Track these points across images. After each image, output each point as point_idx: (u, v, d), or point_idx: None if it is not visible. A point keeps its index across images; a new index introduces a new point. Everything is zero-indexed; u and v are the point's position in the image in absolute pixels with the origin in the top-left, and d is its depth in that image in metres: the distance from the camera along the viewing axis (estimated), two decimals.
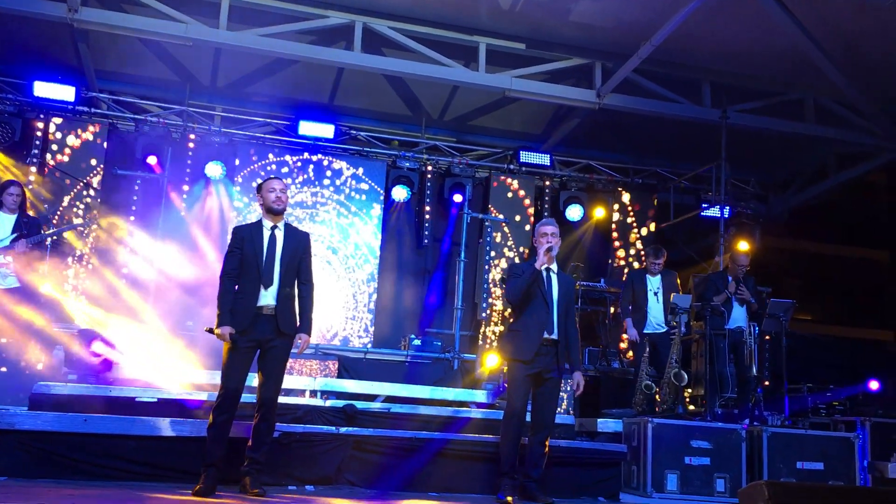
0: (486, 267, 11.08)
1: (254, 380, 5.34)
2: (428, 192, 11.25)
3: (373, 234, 10.88)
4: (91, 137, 10.10)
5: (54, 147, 9.92)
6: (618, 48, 9.15)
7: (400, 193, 10.99)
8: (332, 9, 8.97)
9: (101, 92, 10.33)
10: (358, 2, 8.93)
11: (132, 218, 10.10)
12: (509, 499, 5.61)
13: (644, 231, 11.63)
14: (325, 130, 10.49)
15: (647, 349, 8.12)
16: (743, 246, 10.24)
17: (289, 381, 6.94)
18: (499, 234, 11.22)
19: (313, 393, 7.36)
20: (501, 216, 11.10)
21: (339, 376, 8.39)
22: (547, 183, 11.68)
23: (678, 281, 8.51)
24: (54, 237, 7.96)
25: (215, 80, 10.51)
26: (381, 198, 11.00)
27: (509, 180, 11.38)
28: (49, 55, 9.61)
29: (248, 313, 5.17)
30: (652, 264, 8.34)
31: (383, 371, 8.65)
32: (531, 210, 11.40)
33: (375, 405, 6.92)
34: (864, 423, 7.96)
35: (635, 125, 10.40)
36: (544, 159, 11.19)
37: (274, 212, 5.39)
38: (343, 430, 6.04)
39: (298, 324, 5.36)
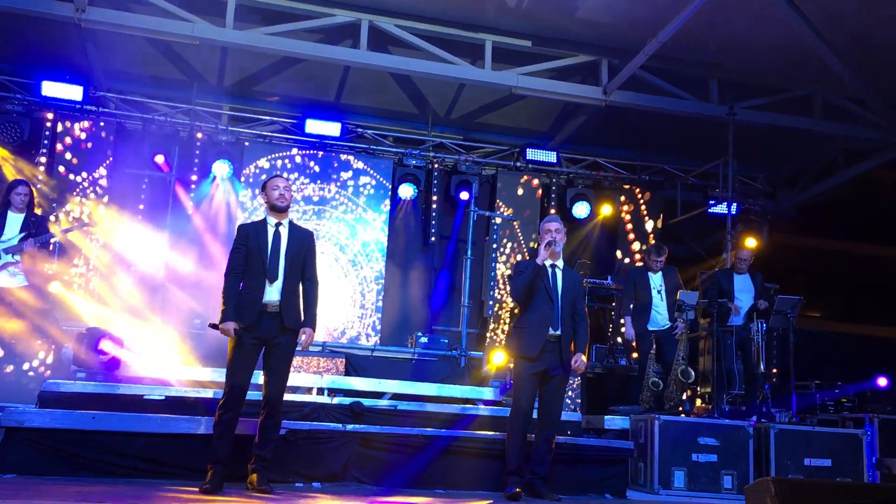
0: (493, 264, 11.08)
1: (260, 377, 5.37)
2: (434, 189, 11.25)
3: (379, 232, 10.89)
4: (99, 137, 10.13)
5: (62, 146, 9.96)
6: (624, 45, 9.13)
7: (406, 191, 10.99)
8: (338, 7, 8.98)
9: (108, 91, 10.36)
10: (364, 0, 8.94)
11: (140, 216, 10.13)
12: (517, 490, 5.62)
13: (650, 228, 11.60)
14: (332, 129, 10.49)
15: (654, 346, 8.11)
16: (750, 242, 10.23)
17: (295, 379, 6.95)
18: (506, 232, 11.21)
19: (320, 390, 7.37)
20: (508, 214, 11.10)
21: (346, 374, 8.40)
22: (553, 180, 11.66)
23: (680, 277, 8.48)
24: (61, 236, 8.01)
25: (222, 78, 10.54)
26: (388, 196, 11.00)
27: (516, 178, 11.37)
28: (57, 55, 9.63)
29: (252, 309, 5.21)
30: (654, 262, 8.29)
31: (390, 368, 8.66)
32: (538, 207, 11.39)
33: (382, 402, 6.92)
34: (872, 420, 7.95)
35: (642, 122, 10.37)
36: (551, 156, 11.17)
37: (278, 209, 5.42)
38: (350, 427, 6.06)
39: (303, 319, 5.38)
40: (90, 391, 6.19)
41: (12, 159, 9.63)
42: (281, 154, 10.76)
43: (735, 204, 10.38)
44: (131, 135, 10.47)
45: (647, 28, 8.53)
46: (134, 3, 8.79)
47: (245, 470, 5.22)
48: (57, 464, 5.37)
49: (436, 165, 11.31)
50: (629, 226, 11.64)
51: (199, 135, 10.57)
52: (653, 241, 10.63)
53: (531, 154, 11.10)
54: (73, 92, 9.78)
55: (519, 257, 10.99)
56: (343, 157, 10.94)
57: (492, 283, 11.03)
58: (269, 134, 10.92)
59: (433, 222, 11.19)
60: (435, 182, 11.27)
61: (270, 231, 5.39)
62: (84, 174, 9.92)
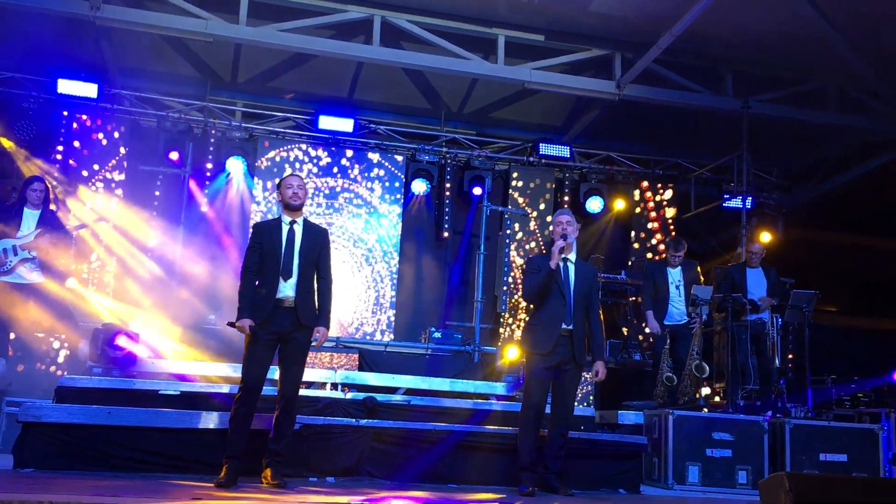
0: (506, 259, 11.07)
1: (275, 373, 5.40)
2: (447, 185, 11.25)
3: (393, 228, 10.90)
4: (114, 134, 10.20)
5: (77, 143, 10.03)
6: (638, 38, 9.09)
7: (419, 187, 11.00)
8: (350, 3, 8.98)
9: (123, 88, 10.42)
10: None
11: (154, 213, 10.19)
12: (531, 490, 5.62)
13: (665, 223, 11.55)
14: (345, 125, 10.50)
15: (668, 341, 8.08)
16: (765, 237, 10.16)
17: (309, 374, 6.99)
18: (519, 227, 11.20)
19: (334, 385, 7.39)
20: (521, 209, 11.08)
21: (360, 369, 8.42)
22: (567, 175, 11.63)
23: (699, 270, 8.44)
24: (76, 232, 8.07)
25: (236, 75, 10.58)
26: (401, 191, 11.01)
27: (529, 172, 11.35)
28: (72, 52, 9.69)
29: (267, 305, 5.25)
30: (672, 257, 8.26)
31: (403, 364, 8.67)
32: (551, 202, 11.37)
33: (396, 398, 6.94)
34: (888, 415, 7.89)
35: (656, 116, 10.31)
36: (564, 151, 11.14)
37: (292, 207, 5.46)
38: (363, 422, 6.07)
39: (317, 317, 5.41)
40: (106, 386, 6.25)
41: (28, 156, 9.70)
42: (294, 150, 10.79)
43: (750, 198, 10.32)
44: (146, 132, 10.55)
45: (661, 21, 8.49)
46: (148, 1, 8.85)
47: (259, 464, 5.25)
48: (73, 458, 5.42)
49: (449, 161, 11.31)
50: (643, 220, 11.60)
51: (213, 131, 10.61)
52: (671, 237, 10.56)
53: (544, 149, 11.07)
54: (89, 89, 9.85)
55: (534, 250, 10.96)
56: (356, 153, 10.95)
57: (505, 279, 11.01)
58: (283, 130, 10.96)
59: (446, 217, 11.20)
60: (448, 177, 11.27)
61: (285, 229, 5.43)
62: (99, 171, 9.99)
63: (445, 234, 11.17)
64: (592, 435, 6.65)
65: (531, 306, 6.14)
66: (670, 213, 11.58)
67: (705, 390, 8.80)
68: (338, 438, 5.92)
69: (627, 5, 8.62)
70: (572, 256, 5.96)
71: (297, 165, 10.68)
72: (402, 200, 11.01)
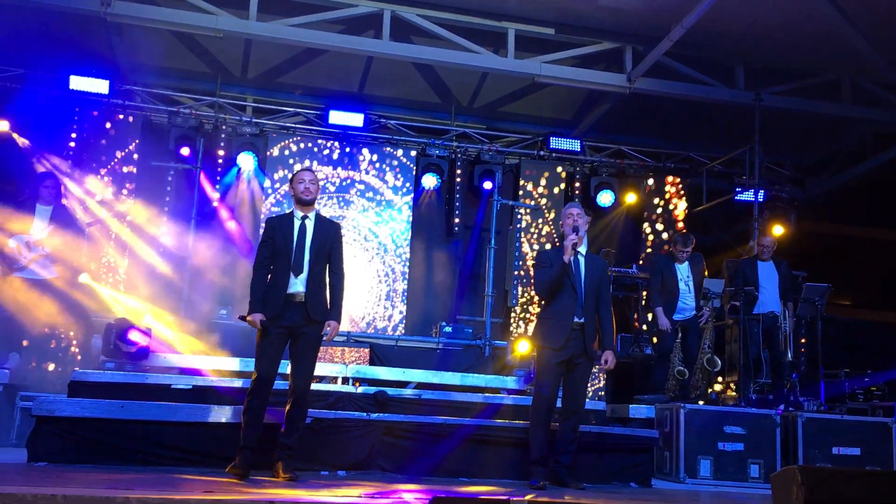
0: (517, 254, 11.05)
1: (287, 367, 5.42)
2: (458, 179, 11.24)
3: (403, 222, 10.91)
4: (125, 130, 10.24)
5: (89, 140, 10.07)
6: (648, 31, 9.04)
7: (430, 181, 10.99)
8: None
9: (134, 84, 10.46)
10: None
11: (166, 208, 10.23)
12: (542, 484, 5.62)
13: (676, 216, 11.50)
14: (355, 119, 10.49)
15: (679, 335, 8.04)
16: (777, 230, 10.10)
17: (321, 369, 7.00)
18: (529, 220, 11.18)
19: (345, 380, 7.41)
20: (532, 203, 11.06)
21: (371, 363, 8.44)
22: (577, 169, 11.60)
23: (704, 264, 8.38)
24: (88, 228, 8.11)
25: (246, 70, 10.60)
26: (412, 186, 11.01)
27: (539, 166, 11.33)
28: (84, 49, 9.72)
29: (278, 300, 5.28)
30: (680, 252, 8.13)
31: (414, 358, 8.69)
32: (561, 196, 11.34)
33: (407, 392, 6.95)
34: None
35: (667, 109, 10.27)
36: (574, 145, 11.09)
37: (303, 202, 5.48)
38: (374, 416, 6.10)
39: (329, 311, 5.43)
40: (119, 380, 6.29)
41: (40, 152, 9.75)
42: (305, 145, 10.80)
43: (762, 191, 10.26)
44: (157, 127, 10.58)
45: (672, 14, 8.44)
46: None
47: (272, 459, 5.27)
48: (86, 452, 5.46)
49: (459, 155, 11.29)
50: (654, 214, 11.55)
51: (224, 127, 10.64)
52: (679, 231, 10.48)
53: (555, 143, 11.03)
54: (100, 86, 9.87)
55: (547, 245, 10.95)
56: (366, 147, 10.96)
57: (515, 273, 11.00)
58: (293, 125, 10.98)
59: (457, 212, 11.18)
60: (458, 172, 11.26)
61: (296, 224, 5.44)
62: (110, 167, 10.03)
63: (456, 229, 11.16)
64: (604, 429, 6.65)
65: (542, 300, 6.12)
66: (682, 206, 11.52)
67: (718, 386, 8.77)
68: (349, 432, 5.95)
69: None
70: (583, 250, 5.95)
71: (308, 160, 10.70)
72: (413, 195, 11.01)
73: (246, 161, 10.47)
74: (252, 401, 5.23)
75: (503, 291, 10.98)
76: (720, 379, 9.03)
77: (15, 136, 9.70)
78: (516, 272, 10.99)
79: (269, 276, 5.39)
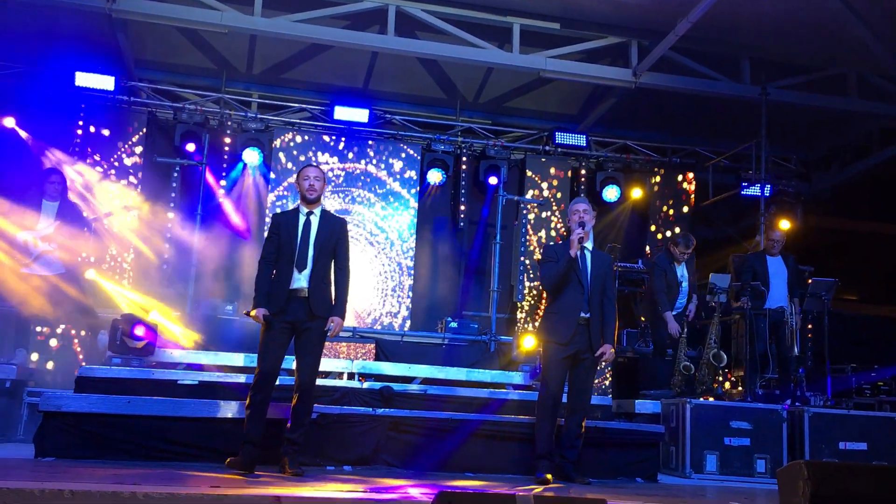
0: (522, 249, 11.04)
1: (293, 363, 5.43)
2: (463, 174, 11.24)
3: (409, 218, 10.91)
4: (130, 126, 10.26)
5: (94, 135, 10.09)
6: (654, 25, 9.01)
7: (435, 177, 10.98)
8: None
9: (140, 81, 10.48)
10: None
11: (171, 204, 10.25)
12: (548, 476, 5.62)
13: (681, 211, 11.47)
14: (360, 115, 10.50)
15: (685, 330, 8.03)
16: (784, 224, 10.07)
17: (326, 364, 7.01)
18: (535, 216, 11.16)
19: (351, 375, 7.41)
20: (537, 198, 11.05)
21: (377, 359, 8.44)
22: (583, 164, 11.57)
23: (695, 262, 8.40)
24: (95, 224, 8.13)
25: (251, 66, 10.60)
26: (417, 181, 11.01)
27: (545, 162, 11.31)
28: (89, 45, 9.74)
29: (281, 295, 5.29)
30: (682, 254, 8.07)
31: (420, 353, 8.68)
32: (567, 191, 11.32)
33: (412, 387, 6.95)
34: None
35: (673, 104, 10.25)
36: (580, 140, 11.08)
37: (308, 200, 5.48)
38: (380, 411, 6.09)
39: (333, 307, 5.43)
40: (125, 376, 6.31)
41: (46, 148, 9.77)
42: (310, 141, 10.81)
43: (768, 185, 10.21)
44: (162, 124, 10.61)
45: (677, 8, 8.41)
46: None
47: (278, 454, 5.28)
48: (93, 447, 5.47)
49: (464, 150, 11.28)
50: (660, 209, 11.53)
51: (229, 122, 10.65)
52: (681, 233, 10.38)
53: (560, 138, 11.02)
54: (106, 82, 9.90)
55: (551, 239, 10.93)
56: (371, 143, 10.96)
57: (521, 268, 11.00)
58: (298, 121, 10.98)
59: (462, 207, 11.19)
60: (464, 167, 11.25)
61: (301, 220, 5.44)
62: (116, 163, 10.06)
63: (461, 224, 11.16)
64: (609, 424, 6.63)
65: (547, 295, 6.12)
66: (686, 203, 11.49)
67: (727, 384, 8.75)
68: (355, 427, 5.95)
69: None
70: (589, 245, 5.94)
71: (313, 156, 10.70)
72: (418, 190, 11.01)
73: (251, 156, 10.48)
74: (255, 395, 5.23)
75: (509, 287, 10.98)
76: (728, 374, 9.01)
77: (20, 132, 9.72)
78: (522, 267, 10.98)
79: (274, 272, 5.39)
